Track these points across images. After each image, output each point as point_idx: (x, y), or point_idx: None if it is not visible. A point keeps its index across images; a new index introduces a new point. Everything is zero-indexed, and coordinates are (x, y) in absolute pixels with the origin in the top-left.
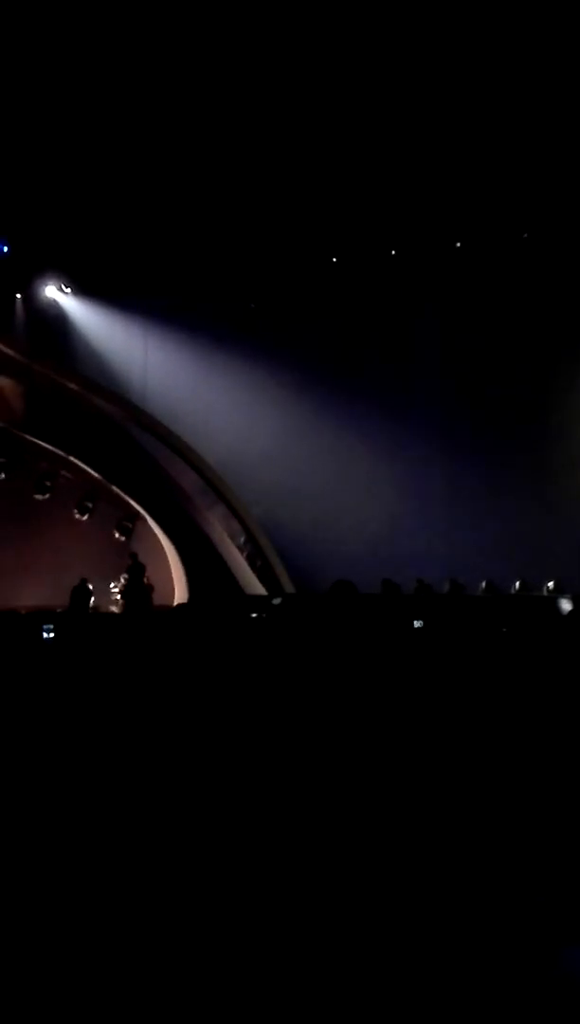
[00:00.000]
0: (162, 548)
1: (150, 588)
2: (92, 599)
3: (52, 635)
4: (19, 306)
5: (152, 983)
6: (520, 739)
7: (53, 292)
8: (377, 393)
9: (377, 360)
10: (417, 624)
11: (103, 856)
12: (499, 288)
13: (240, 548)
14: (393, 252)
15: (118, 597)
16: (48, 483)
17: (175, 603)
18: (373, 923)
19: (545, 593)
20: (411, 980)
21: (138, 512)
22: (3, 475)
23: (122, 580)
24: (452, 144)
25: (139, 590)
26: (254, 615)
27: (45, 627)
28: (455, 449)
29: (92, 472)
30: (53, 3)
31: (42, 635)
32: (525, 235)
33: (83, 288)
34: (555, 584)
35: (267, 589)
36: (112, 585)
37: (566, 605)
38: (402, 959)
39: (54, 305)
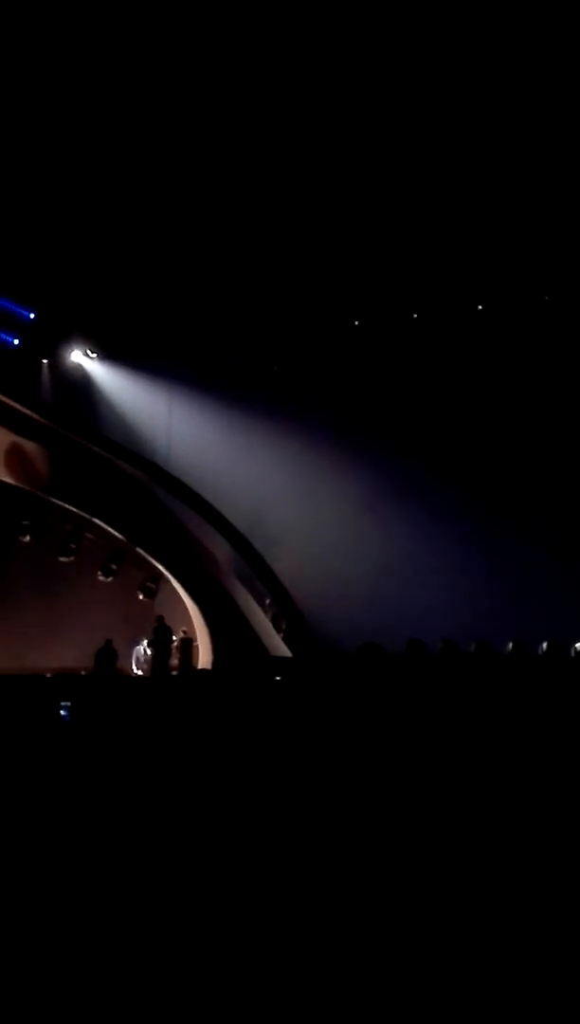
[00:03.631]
0: (186, 610)
1: (190, 642)
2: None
3: (68, 713)
4: (45, 371)
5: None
6: (545, 794)
7: (79, 357)
8: (402, 452)
9: (399, 420)
10: None
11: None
12: (519, 349)
13: (265, 609)
14: (415, 315)
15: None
16: (73, 545)
17: (200, 665)
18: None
19: (572, 655)
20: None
21: (162, 574)
22: (28, 537)
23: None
24: (475, 208)
25: (166, 653)
26: (279, 678)
27: (64, 705)
28: (483, 508)
29: (116, 534)
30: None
31: (60, 713)
32: (546, 297)
33: (108, 353)
34: None
35: (292, 651)
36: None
37: None
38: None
39: (79, 370)
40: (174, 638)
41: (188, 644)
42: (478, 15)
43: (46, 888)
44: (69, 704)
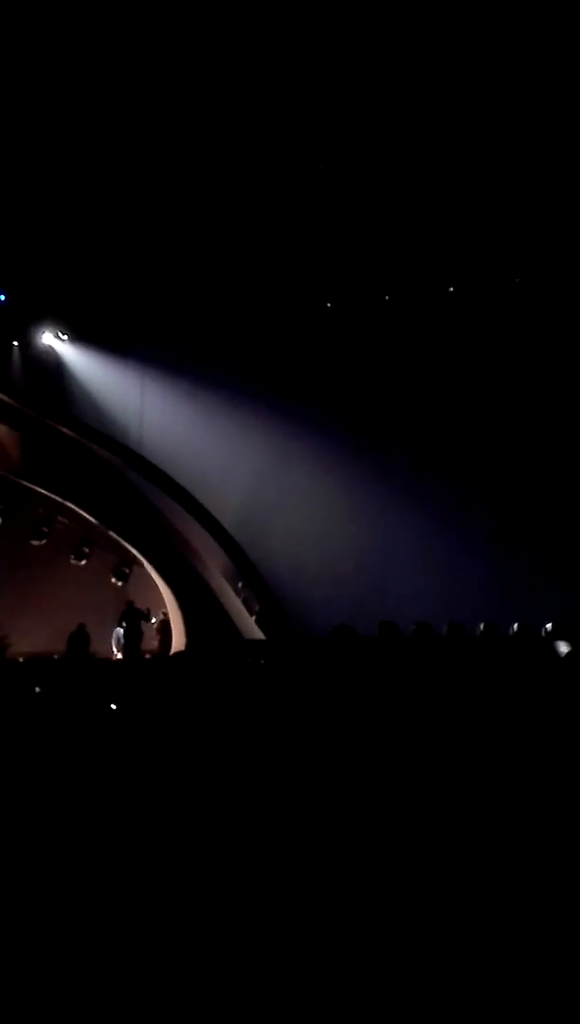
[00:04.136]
0: (160, 593)
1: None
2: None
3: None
4: (16, 353)
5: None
6: (518, 777)
7: (50, 339)
8: (374, 435)
9: (373, 402)
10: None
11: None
12: (492, 331)
13: (237, 592)
14: (386, 297)
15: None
16: (45, 529)
17: (173, 648)
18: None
19: (543, 635)
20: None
21: (135, 557)
22: (0, 521)
23: (158, 617)
24: (445, 190)
25: (136, 637)
26: (252, 660)
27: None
28: (453, 490)
29: (89, 517)
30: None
31: (35, 690)
32: (517, 280)
33: (80, 335)
34: (553, 626)
35: (265, 634)
36: (153, 620)
37: (563, 647)
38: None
39: (51, 352)
40: (153, 620)
41: (168, 627)
42: (450, 11)
43: (23, 873)
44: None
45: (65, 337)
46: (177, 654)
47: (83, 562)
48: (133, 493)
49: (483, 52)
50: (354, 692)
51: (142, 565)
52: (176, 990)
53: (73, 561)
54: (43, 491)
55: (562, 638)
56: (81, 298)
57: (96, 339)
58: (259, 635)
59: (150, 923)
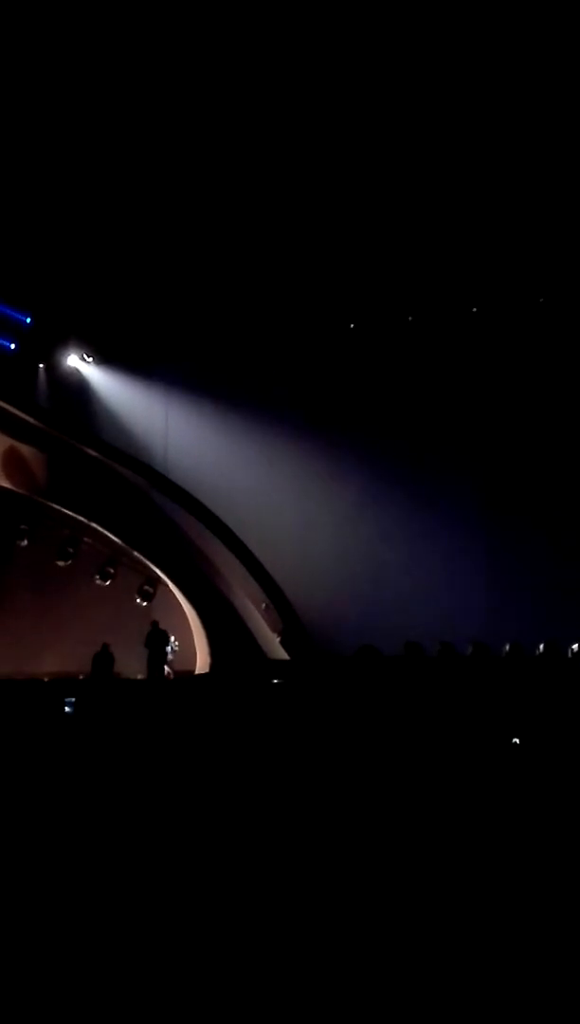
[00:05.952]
0: (184, 613)
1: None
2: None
3: (72, 708)
4: (42, 375)
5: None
6: (543, 793)
7: (75, 361)
8: (400, 455)
9: (399, 422)
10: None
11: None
12: (515, 351)
13: (262, 613)
14: (410, 318)
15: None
16: (70, 549)
17: (197, 669)
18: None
19: (569, 655)
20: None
21: (160, 578)
22: (26, 542)
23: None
24: (470, 211)
25: (161, 657)
26: (276, 681)
27: (68, 701)
28: (481, 511)
29: (114, 538)
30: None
31: (64, 709)
32: (541, 300)
33: (105, 357)
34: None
35: (290, 654)
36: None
37: None
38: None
39: (76, 374)
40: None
41: None
42: (476, 17)
43: (47, 881)
44: (73, 700)
45: (90, 359)
46: (202, 674)
47: (108, 582)
48: (158, 514)
49: (514, 78)
50: (379, 712)
51: (166, 585)
52: (182, 990)
53: (98, 581)
54: (68, 512)
55: None
56: (106, 320)
57: (121, 361)
58: (283, 655)
59: (173, 928)
